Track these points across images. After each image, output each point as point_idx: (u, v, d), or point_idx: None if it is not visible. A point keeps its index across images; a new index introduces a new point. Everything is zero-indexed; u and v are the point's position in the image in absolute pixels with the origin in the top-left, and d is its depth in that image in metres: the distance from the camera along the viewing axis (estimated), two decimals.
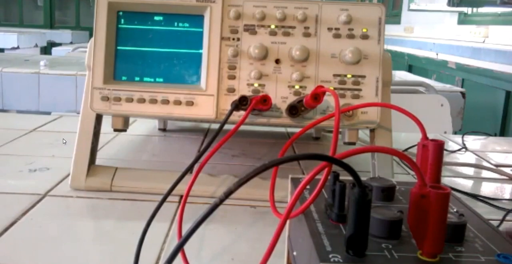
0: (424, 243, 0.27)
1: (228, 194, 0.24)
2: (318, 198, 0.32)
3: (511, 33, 3.02)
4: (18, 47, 4.45)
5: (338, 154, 0.27)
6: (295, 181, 0.38)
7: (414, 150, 0.90)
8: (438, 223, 0.26)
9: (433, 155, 0.31)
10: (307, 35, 0.63)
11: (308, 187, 0.36)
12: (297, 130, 0.56)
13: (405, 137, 1.09)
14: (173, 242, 0.53)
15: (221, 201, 0.24)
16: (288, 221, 0.35)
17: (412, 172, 0.81)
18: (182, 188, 0.56)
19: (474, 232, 0.30)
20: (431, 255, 0.27)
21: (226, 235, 0.56)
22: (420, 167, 0.31)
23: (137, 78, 0.65)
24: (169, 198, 0.55)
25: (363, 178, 0.33)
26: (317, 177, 0.31)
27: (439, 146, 0.31)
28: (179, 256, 0.45)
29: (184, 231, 0.47)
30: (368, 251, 0.27)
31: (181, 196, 0.63)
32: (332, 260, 0.26)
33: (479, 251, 0.28)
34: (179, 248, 0.23)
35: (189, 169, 0.57)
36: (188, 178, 0.56)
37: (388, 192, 0.34)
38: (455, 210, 0.33)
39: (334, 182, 0.32)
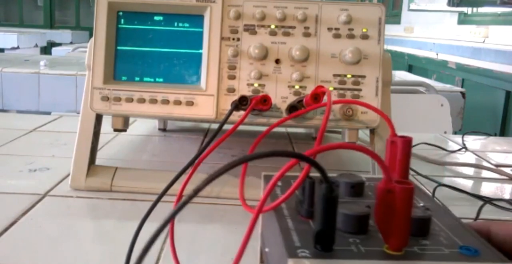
0: (390, 237, 0.27)
1: (197, 191, 0.25)
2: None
3: (511, 33, 3.03)
4: (18, 47, 4.45)
5: (307, 151, 0.27)
6: (267, 178, 0.38)
7: (413, 149, 0.90)
8: (403, 217, 0.27)
9: (401, 151, 0.31)
10: (307, 35, 0.63)
11: (280, 184, 0.37)
12: (297, 130, 0.56)
13: None
14: None
15: (190, 198, 0.24)
16: (261, 218, 0.35)
17: (412, 172, 0.81)
18: (179, 188, 0.55)
19: (439, 225, 0.31)
20: (397, 248, 0.27)
21: (226, 235, 0.56)
22: (389, 163, 0.31)
23: (137, 78, 0.65)
24: (168, 198, 0.55)
25: (333, 175, 0.34)
26: (295, 173, 0.32)
27: (407, 143, 0.31)
28: (171, 256, 0.45)
29: (176, 231, 0.47)
30: (336, 246, 0.27)
31: None
32: (300, 255, 0.26)
33: (443, 243, 0.28)
34: (146, 251, 0.23)
35: (186, 169, 0.57)
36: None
37: (357, 188, 0.35)
38: (421, 204, 0.34)
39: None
